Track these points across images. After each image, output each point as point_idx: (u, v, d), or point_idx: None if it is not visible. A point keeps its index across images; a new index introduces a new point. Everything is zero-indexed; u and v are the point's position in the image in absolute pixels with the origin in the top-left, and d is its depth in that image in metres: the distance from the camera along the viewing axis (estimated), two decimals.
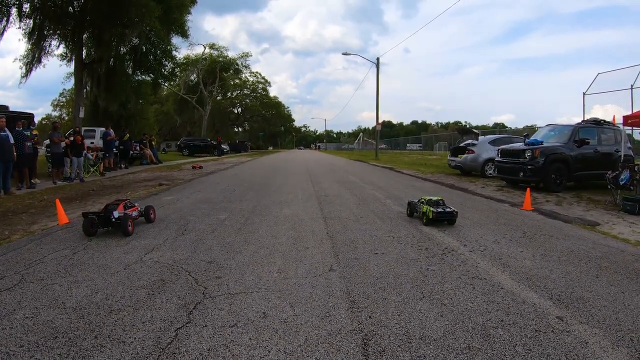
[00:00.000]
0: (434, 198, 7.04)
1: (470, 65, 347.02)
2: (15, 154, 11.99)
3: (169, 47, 28.04)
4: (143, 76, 28.68)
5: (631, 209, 8.30)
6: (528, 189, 9.27)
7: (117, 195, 11.03)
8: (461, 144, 19.04)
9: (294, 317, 3.12)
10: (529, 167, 11.53)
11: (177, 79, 46.11)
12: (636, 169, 9.53)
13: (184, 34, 28.11)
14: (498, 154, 13.37)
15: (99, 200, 10.21)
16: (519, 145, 12.78)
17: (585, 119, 13.51)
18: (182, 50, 70.92)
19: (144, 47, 26.52)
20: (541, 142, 12.09)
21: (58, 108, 61.82)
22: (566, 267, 4.39)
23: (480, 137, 18.20)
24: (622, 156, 10.92)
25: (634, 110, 13.01)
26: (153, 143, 28.40)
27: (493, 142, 16.94)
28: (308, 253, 4.85)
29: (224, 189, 11.63)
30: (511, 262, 4.52)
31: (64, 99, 58.96)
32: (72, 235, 6.12)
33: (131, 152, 23.24)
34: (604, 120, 12.93)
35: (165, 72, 29.39)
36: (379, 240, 5.47)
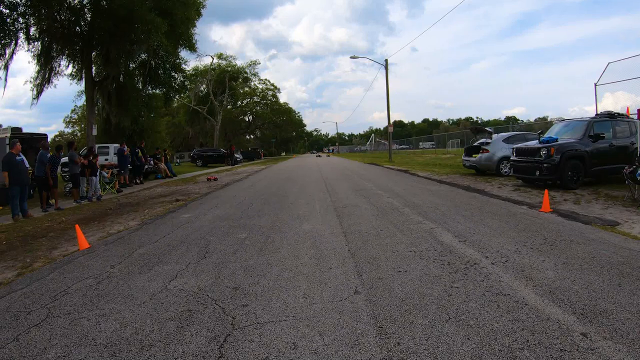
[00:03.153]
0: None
1: (478, 59, 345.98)
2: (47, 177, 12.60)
3: (177, 60, 28.29)
4: (154, 90, 28.93)
5: None
6: (546, 191, 9.23)
7: (135, 213, 11.22)
8: (475, 143, 19.01)
9: (324, 347, 3.17)
10: (545, 165, 11.51)
11: (188, 91, 46.44)
12: None
13: (192, 48, 28.29)
14: (513, 153, 13.34)
15: (117, 220, 10.40)
16: (533, 143, 12.74)
17: (599, 112, 13.43)
18: (191, 62, 71.31)
19: (153, 62, 26.83)
20: (556, 139, 12.04)
21: (70, 125, 62.45)
22: (588, 276, 4.39)
23: (493, 136, 18.16)
24: (638, 148, 10.80)
25: None
26: (168, 157, 28.72)
27: (507, 140, 16.92)
28: (332, 274, 4.89)
29: (241, 203, 11.73)
30: (534, 274, 4.52)
31: (75, 115, 59.64)
32: (95, 261, 6.22)
33: (146, 166, 23.60)
34: (618, 113, 12.85)
35: (176, 86, 29.63)
36: (401, 256, 5.49)
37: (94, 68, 24.83)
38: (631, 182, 9.50)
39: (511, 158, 13.64)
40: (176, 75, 28.60)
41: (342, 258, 5.54)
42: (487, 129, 19.56)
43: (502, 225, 7.15)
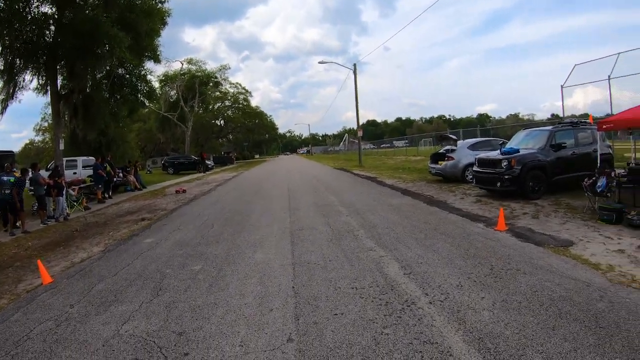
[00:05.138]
0: None
1: (451, 58, 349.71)
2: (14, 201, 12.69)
3: (143, 72, 28.18)
4: (120, 101, 28.56)
5: (608, 218, 8.44)
6: (501, 210, 9.18)
7: (100, 236, 11.20)
8: (440, 151, 19.21)
9: None
10: (506, 176, 11.68)
11: (156, 99, 45.99)
12: (612, 175, 9.60)
13: (156, 59, 28.20)
14: (476, 163, 13.47)
15: (82, 244, 10.37)
16: (495, 154, 12.86)
17: (566, 110, 13.78)
18: (159, 68, 70.42)
19: (119, 71, 26.67)
20: (517, 150, 12.18)
21: (41, 133, 60.98)
22: (524, 317, 4.38)
23: (458, 142, 18.38)
24: (599, 155, 10.97)
25: (612, 101, 14.19)
26: (138, 169, 28.42)
27: (472, 147, 17.19)
28: (271, 317, 4.88)
29: (203, 224, 11.60)
30: (468, 316, 4.51)
31: (46, 123, 58.32)
32: (56, 299, 6.26)
33: (115, 179, 23.44)
34: (581, 121, 13.09)
35: (142, 98, 29.38)
36: (342, 294, 5.44)
37: (59, 81, 24.41)
38: (591, 194, 9.65)
39: (474, 168, 13.78)
40: (142, 87, 28.38)
41: (285, 297, 5.51)
42: (451, 136, 19.77)
43: (453, 251, 7.11)
